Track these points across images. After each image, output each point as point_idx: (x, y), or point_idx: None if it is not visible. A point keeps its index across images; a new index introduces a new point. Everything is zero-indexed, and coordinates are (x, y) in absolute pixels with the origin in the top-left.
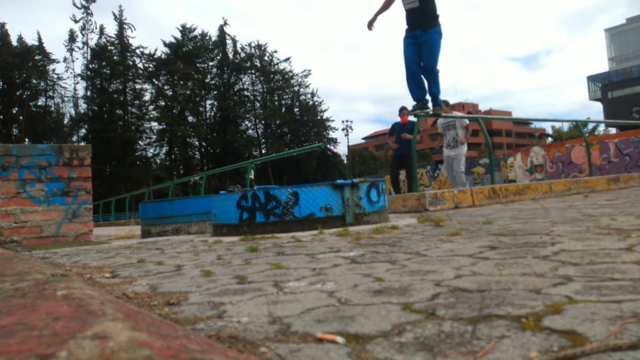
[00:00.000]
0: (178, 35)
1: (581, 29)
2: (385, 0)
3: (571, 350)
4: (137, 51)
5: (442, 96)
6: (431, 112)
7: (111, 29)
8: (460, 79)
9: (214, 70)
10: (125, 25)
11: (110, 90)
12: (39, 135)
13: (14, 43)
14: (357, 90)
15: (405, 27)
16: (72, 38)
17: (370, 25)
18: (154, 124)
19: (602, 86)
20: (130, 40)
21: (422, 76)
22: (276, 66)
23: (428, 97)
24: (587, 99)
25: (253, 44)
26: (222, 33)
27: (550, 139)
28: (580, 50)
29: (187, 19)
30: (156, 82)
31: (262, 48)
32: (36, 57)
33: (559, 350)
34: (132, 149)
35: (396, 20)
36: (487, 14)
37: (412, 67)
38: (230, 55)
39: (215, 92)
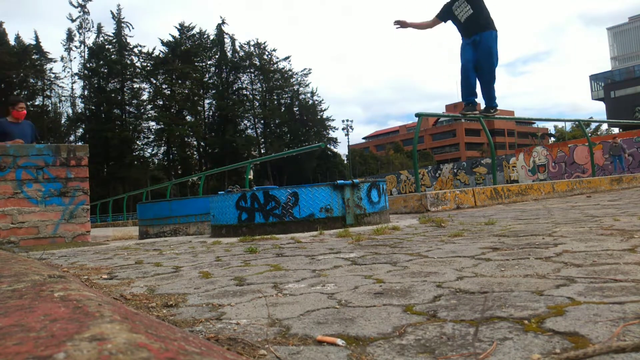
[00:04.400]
0: (176, 33)
1: (583, 28)
2: (422, 24)
3: (574, 352)
4: (135, 50)
5: (445, 96)
6: (479, 113)
7: (109, 28)
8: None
9: (213, 69)
10: (123, 24)
11: (108, 89)
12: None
13: (12, 42)
14: (347, 95)
15: (461, 36)
16: (70, 37)
17: (398, 23)
18: (152, 124)
19: (605, 85)
20: (128, 39)
21: (476, 80)
22: (275, 65)
23: (477, 99)
24: (589, 99)
25: (252, 42)
26: (220, 32)
27: (552, 139)
28: (582, 49)
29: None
30: (154, 81)
31: (262, 47)
32: (33, 57)
33: (561, 352)
34: (129, 149)
35: (381, 30)
36: None
37: (465, 70)
38: (229, 54)
39: (213, 91)
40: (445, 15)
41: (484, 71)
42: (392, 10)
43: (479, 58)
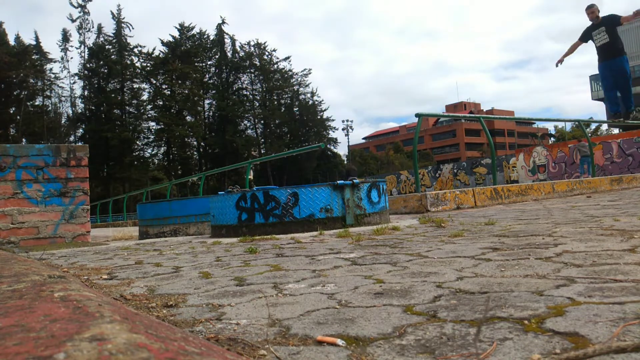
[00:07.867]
0: (176, 34)
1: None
2: (571, 47)
3: (574, 353)
4: (135, 50)
5: (445, 96)
6: (622, 119)
7: (109, 28)
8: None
9: (213, 69)
10: (123, 24)
11: (108, 89)
12: (36, 136)
13: (12, 42)
14: (338, 100)
15: (598, 60)
16: (65, 38)
17: (558, 63)
18: (152, 124)
19: None
20: (128, 39)
21: (616, 94)
22: (275, 65)
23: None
24: (589, 99)
25: (252, 43)
26: (220, 32)
27: (552, 139)
28: (582, 49)
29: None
30: (154, 82)
31: (262, 47)
32: (33, 57)
33: (561, 352)
34: (129, 149)
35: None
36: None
37: (606, 89)
38: (229, 55)
39: (213, 92)
40: (585, 37)
41: (620, 87)
42: (382, 12)
43: (616, 77)
